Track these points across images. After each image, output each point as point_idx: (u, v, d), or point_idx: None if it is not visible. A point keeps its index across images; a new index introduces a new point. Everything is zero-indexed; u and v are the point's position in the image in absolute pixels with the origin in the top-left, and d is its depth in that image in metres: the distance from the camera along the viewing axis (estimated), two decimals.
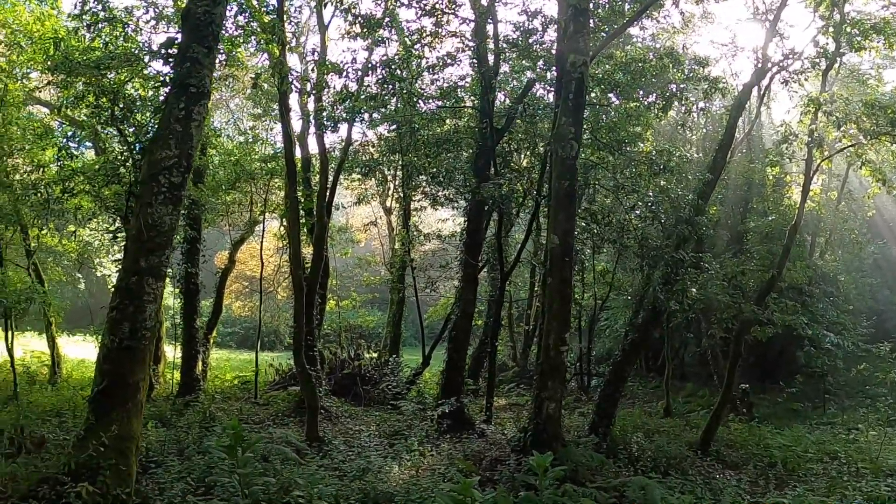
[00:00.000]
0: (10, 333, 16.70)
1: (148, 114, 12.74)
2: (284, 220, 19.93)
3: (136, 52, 12.46)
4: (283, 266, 27.45)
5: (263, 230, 24.33)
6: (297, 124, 18.57)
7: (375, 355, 24.53)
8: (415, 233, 25.46)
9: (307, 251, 18.64)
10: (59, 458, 8.60)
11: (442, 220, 29.07)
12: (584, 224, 17.29)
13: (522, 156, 20.83)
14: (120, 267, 9.31)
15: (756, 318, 15.61)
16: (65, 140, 17.10)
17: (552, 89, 16.46)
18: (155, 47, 12.28)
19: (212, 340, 23.33)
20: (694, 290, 15.05)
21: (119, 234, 13.20)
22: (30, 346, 22.85)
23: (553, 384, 12.08)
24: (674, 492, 10.46)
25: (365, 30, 15.60)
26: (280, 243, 24.36)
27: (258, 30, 13.19)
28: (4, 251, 17.59)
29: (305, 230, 18.84)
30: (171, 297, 21.61)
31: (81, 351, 27.24)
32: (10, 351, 16.38)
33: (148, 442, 11.00)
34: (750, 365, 23.03)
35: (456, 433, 15.12)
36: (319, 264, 17.55)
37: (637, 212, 17.77)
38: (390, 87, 16.31)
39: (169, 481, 9.03)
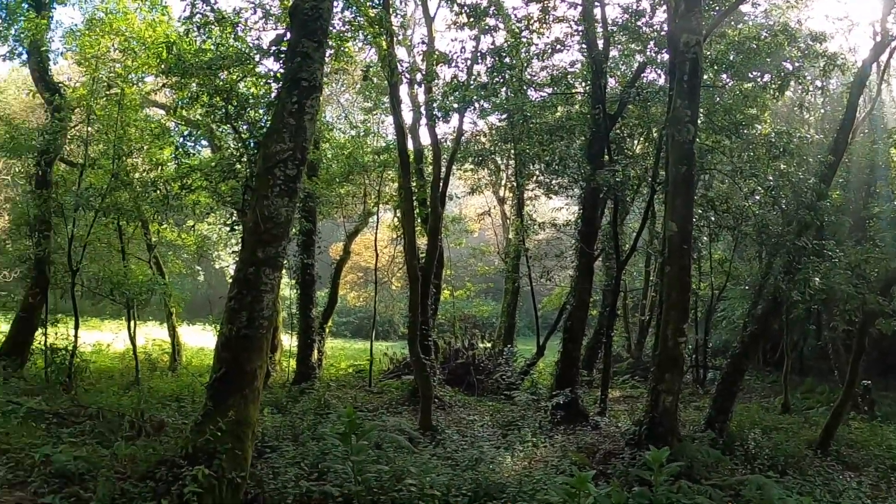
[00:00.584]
0: (132, 323, 17.39)
1: (260, 110, 12.97)
2: (398, 211, 20.08)
3: (247, 51, 12.72)
4: (397, 257, 27.71)
5: (377, 221, 24.62)
6: (407, 116, 18.69)
7: (489, 345, 24.52)
8: (529, 222, 25.23)
9: (422, 241, 18.72)
10: (177, 441, 8.87)
11: (556, 209, 28.78)
12: (700, 211, 16.62)
13: (636, 141, 20.41)
14: (238, 258, 9.52)
15: (881, 310, 14.69)
16: (181, 139, 17.66)
17: (664, 72, 16.07)
18: (264, 46, 12.55)
19: (327, 330, 23.79)
20: (817, 279, 14.29)
21: (236, 227, 13.54)
22: (151, 334, 23.80)
23: (670, 376, 11.73)
24: (792, 492, 9.87)
25: (471, 19, 15.52)
26: (394, 234, 24.61)
27: (365, 24, 13.28)
28: (127, 246, 18.32)
29: (419, 221, 18.97)
30: (287, 288, 22.09)
31: (200, 339, 28.12)
32: (132, 339, 17.06)
33: (264, 428, 11.21)
34: (872, 360, 21.77)
35: (569, 425, 14.90)
36: (434, 254, 17.63)
37: (756, 197, 17.10)
38: (499, 76, 16.22)
39: (283, 466, 9.16)
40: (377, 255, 23.83)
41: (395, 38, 14.66)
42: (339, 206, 23.47)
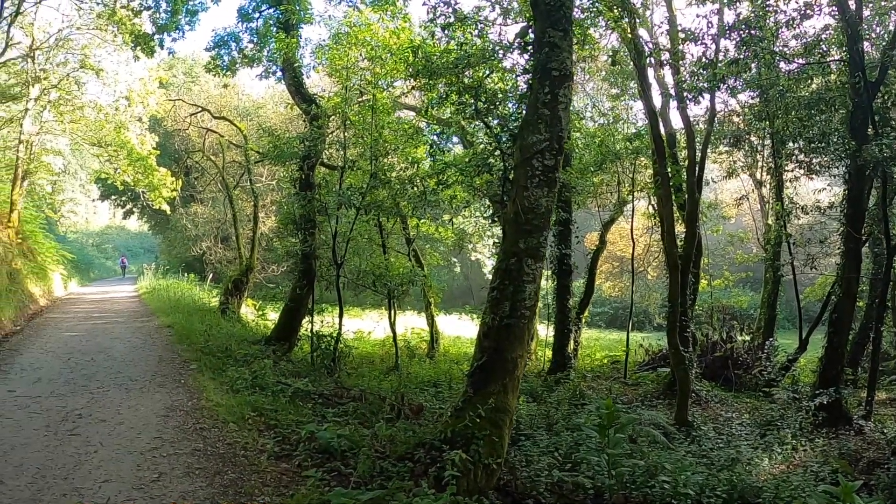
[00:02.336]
0: (392, 312, 18.27)
1: (509, 104, 13.16)
2: (653, 198, 19.65)
3: (490, 47, 12.93)
4: (652, 245, 27.13)
5: (633, 210, 24.26)
6: (656, 99, 18.23)
7: (748, 338, 23.44)
8: (789, 205, 23.78)
9: (679, 229, 18.21)
10: (435, 425, 9.21)
11: (818, 191, 26.91)
12: None
13: None
14: (499, 249, 9.70)
15: None
16: (434, 137, 18.32)
17: None
18: (506, 40, 12.71)
19: (583, 320, 23.77)
20: None
21: (496, 219, 13.83)
22: (409, 323, 24.90)
23: None
24: None
25: None
26: (649, 222, 24.15)
27: (603, 8, 13.11)
28: (387, 240, 19.27)
29: (676, 207, 18.48)
30: (544, 279, 22.29)
31: (456, 328, 29.02)
32: (392, 327, 17.92)
33: (519, 415, 11.28)
34: None
35: (831, 428, 13.77)
36: (693, 242, 17.11)
37: None
38: (748, 49, 15.35)
39: (536, 454, 9.22)
40: (634, 244, 23.46)
41: (637, 20, 14.35)
42: (593, 196, 23.37)
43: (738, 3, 16.02)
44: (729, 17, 16.46)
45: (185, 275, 38.35)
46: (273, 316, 22.97)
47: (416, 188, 15.98)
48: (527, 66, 11.24)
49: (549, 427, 11.50)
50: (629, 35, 14.13)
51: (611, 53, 17.20)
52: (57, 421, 9.76)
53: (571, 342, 20.58)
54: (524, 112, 11.72)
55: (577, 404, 13.84)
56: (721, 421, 14.59)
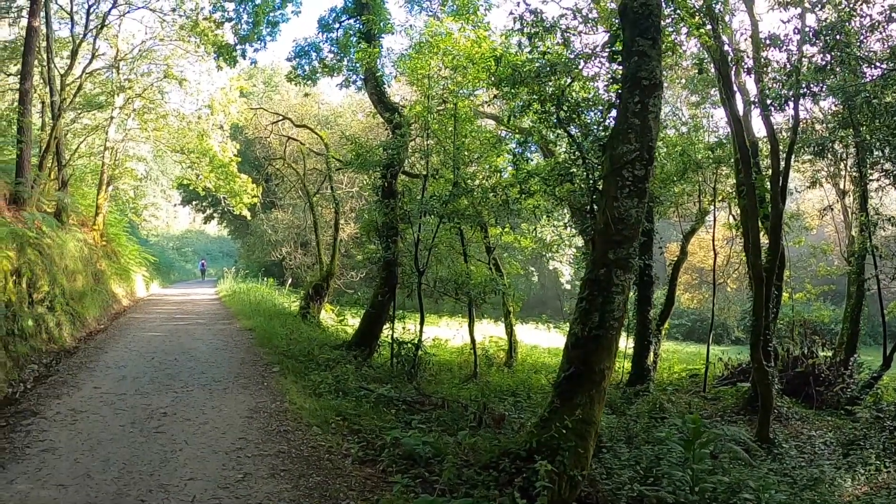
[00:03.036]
0: (472, 320, 18.26)
1: (589, 113, 13.06)
2: (734, 208, 19.29)
3: (572, 56, 12.84)
4: (732, 257, 26.64)
5: (714, 220, 23.87)
6: (738, 107, 17.89)
7: (830, 354, 22.79)
8: (874, 216, 23.08)
9: (762, 241, 17.85)
10: (518, 435, 9.17)
11: None
12: None
13: None
14: (588, 260, 9.60)
15: None
16: (514, 146, 18.29)
17: None
18: (587, 50, 12.61)
19: (663, 332, 23.45)
20: None
21: (588, 231, 13.72)
22: (486, 332, 24.86)
23: None
24: None
25: None
26: (730, 233, 23.74)
27: (685, 15, 12.91)
28: (467, 248, 19.29)
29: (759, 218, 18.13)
30: None
31: (533, 337, 28.87)
32: (472, 335, 17.91)
33: (599, 427, 11.29)
34: None
35: None
36: (776, 254, 16.69)
37: None
38: (831, 54, 14.92)
39: (617, 467, 9.14)
40: (715, 255, 23.06)
41: (720, 26, 14.11)
42: (674, 206, 23.08)
43: (821, 8, 15.63)
44: (811, 21, 16.08)
45: (264, 279, 38.98)
46: (353, 322, 23.19)
47: (498, 197, 15.95)
48: (615, 76, 11.15)
49: (628, 440, 11.35)
50: (711, 42, 13.90)
51: (696, 61, 16.91)
52: (142, 418, 10.00)
53: (651, 354, 20.31)
54: (608, 121, 11.66)
55: (656, 417, 13.65)
56: (802, 439, 14.26)
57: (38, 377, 12.35)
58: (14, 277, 13.69)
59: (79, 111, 28.40)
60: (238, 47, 23.01)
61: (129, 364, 14.17)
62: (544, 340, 31.40)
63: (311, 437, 9.55)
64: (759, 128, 18.34)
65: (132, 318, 22.85)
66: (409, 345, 16.58)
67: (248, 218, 39.90)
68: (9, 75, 25.90)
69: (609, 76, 12.15)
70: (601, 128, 12.05)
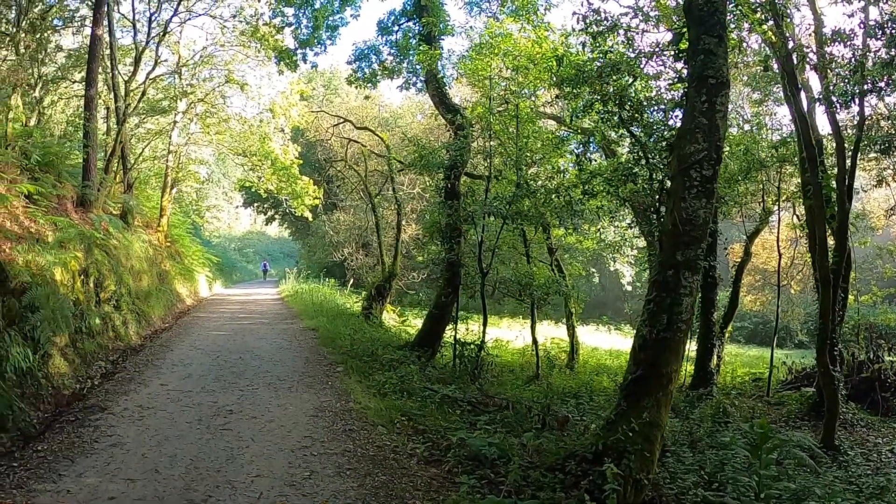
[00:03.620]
0: (534, 321, 18.21)
1: (652, 112, 12.92)
2: (798, 208, 18.96)
3: (634, 54, 12.72)
4: (796, 258, 26.13)
5: (778, 220, 23.46)
6: (802, 104, 17.55)
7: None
8: None
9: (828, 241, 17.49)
10: (583, 437, 9.13)
11: None
12: None
13: None
14: (655, 261, 9.52)
15: None
16: (576, 146, 18.17)
17: None
18: (648, 49, 12.48)
19: (727, 335, 23.09)
20: None
21: (655, 231, 13.57)
22: (545, 333, 24.76)
23: None
24: None
25: None
26: (794, 233, 23.30)
27: (747, 10, 12.73)
28: (530, 249, 19.24)
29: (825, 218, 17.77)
30: None
31: (593, 339, 28.69)
32: (534, 337, 17.86)
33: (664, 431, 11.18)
34: None
35: None
36: (843, 255, 16.36)
37: None
38: (893, 50, 14.53)
39: (680, 471, 8.99)
40: (780, 256, 22.65)
41: (784, 21, 13.86)
42: (738, 206, 22.72)
43: (885, 1, 15.23)
44: (874, 14, 15.67)
45: (326, 279, 39.38)
46: (414, 322, 23.29)
47: (561, 198, 15.86)
48: (680, 74, 11.03)
49: (692, 444, 11.18)
50: (774, 38, 13.66)
51: (762, 58, 16.62)
52: (209, 415, 10.17)
53: (714, 357, 19.99)
54: (671, 121, 11.55)
55: (720, 422, 13.44)
56: (868, 446, 13.86)
57: (104, 374, 12.69)
58: (82, 277, 14.07)
59: (142, 116, 29.03)
60: (298, 51, 23.30)
61: (195, 362, 14.45)
62: (604, 342, 31.19)
63: (377, 437, 9.62)
64: (822, 125, 17.98)
65: (196, 317, 23.27)
66: (472, 345, 16.58)
67: (310, 219, 40.40)
68: (73, 82, 26.59)
69: (673, 75, 12.04)
70: (664, 127, 11.93)
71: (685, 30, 9.73)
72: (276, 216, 59.84)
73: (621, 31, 12.76)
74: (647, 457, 7.82)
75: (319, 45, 23.01)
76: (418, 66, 21.39)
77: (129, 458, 8.03)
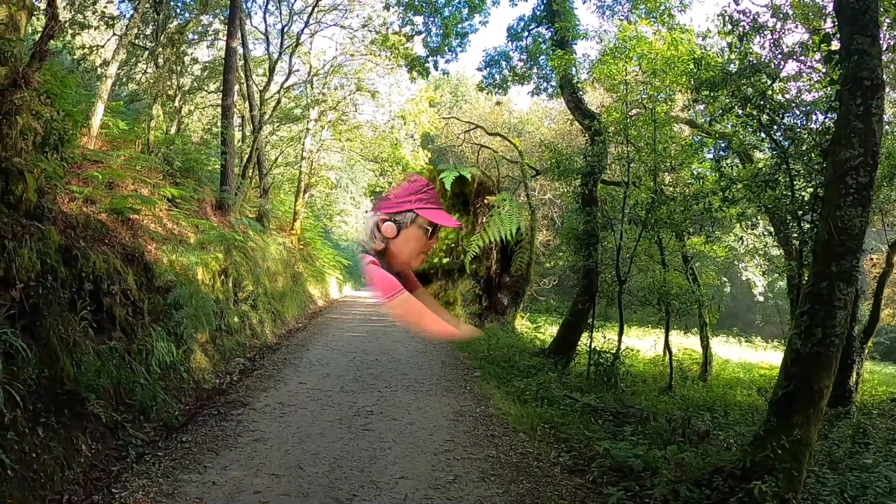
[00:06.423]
0: (668, 331, 17.88)
1: (794, 117, 12.51)
2: None
3: (780, 55, 12.34)
4: None
5: None
6: None
7: None
8: None
9: None
10: (727, 452, 8.91)
11: None
12: None
13: None
14: (810, 272, 9.22)
15: None
16: (714, 151, 17.72)
17: None
18: (789, 49, 12.10)
19: (867, 350, 22.09)
20: None
21: (808, 240, 13.13)
22: (676, 343, 24.23)
23: None
24: None
25: None
26: None
27: (889, 7, 12.15)
28: (666, 257, 18.87)
29: None
30: None
31: (724, 351, 27.92)
32: (668, 347, 17.53)
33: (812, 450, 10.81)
34: None
35: None
36: None
37: None
38: None
39: (823, 494, 8.69)
40: None
41: None
42: (879, 213, 21.73)
43: None
44: None
45: None
46: (551, 329, 23.19)
47: (700, 205, 15.50)
48: (832, 76, 10.66)
49: (831, 465, 10.79)
50: None
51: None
52: (349, 415, 10.36)
53: (854, 374, 19.15)
54: (814, 125, 11.17)
55: (859, 443, 12.88)
56: None
57: (242, 370, 13.20)
58: (222, 277, 14.72)
59: (276, 124, 30.07)
60: (429, 59, 23.60)
61: (332, 362, 14.81)
62: (735, 354, 30.28)
63: (519, 444, 9.63)
64: None
65: (329, 318, 23.84)
66: (608, 354, 16.40)
67: None
68: (209, 92, 27.79)
69: (814, 76, 11.66)
70: (806, 131, 11.57)
71: (833, 30, 9.42)
72: None
73: (767, 32, 12.41)
74: (795, 476, 7.58)
75: (450, 52, 23.25)
76: (549, 72, 21.34)
77: (272, 453, 8.26)
